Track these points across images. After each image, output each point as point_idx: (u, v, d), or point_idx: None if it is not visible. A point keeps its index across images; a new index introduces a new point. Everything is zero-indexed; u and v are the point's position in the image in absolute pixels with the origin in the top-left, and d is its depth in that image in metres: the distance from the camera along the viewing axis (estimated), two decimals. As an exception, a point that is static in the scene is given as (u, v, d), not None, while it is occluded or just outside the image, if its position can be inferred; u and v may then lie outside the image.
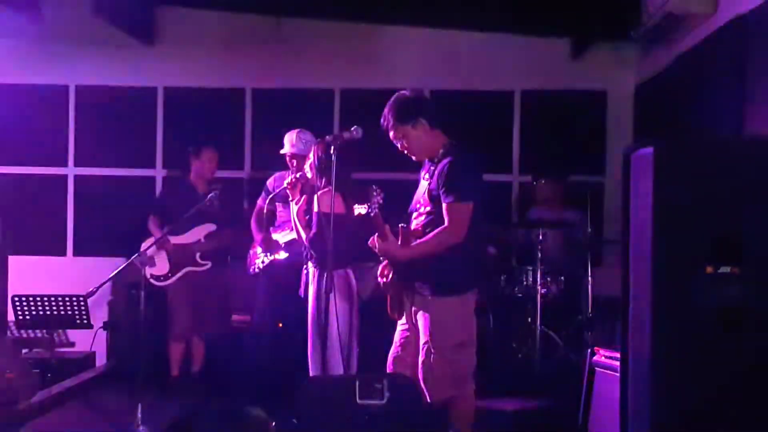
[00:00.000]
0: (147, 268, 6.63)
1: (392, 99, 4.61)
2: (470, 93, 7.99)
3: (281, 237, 6.29)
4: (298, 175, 5.50)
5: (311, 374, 5.17)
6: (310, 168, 5.30)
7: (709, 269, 3.48)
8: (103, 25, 7.57)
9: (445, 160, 4.48)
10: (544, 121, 8.03)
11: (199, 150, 6.94)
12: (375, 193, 4.41)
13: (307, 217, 5.35)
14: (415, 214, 4.64)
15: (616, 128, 7.95)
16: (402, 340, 4.68)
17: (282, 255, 6.23)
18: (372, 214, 4.42)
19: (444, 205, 4.41)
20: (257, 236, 6.46)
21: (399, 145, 4.65)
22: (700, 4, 6.05)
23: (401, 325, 4.70)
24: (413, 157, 4.70)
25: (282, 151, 6.30)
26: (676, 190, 3.48)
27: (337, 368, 5.02)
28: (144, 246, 6.38)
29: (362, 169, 7.10)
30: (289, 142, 6.26)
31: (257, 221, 6.51)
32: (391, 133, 4.61)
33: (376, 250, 4.57)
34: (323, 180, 5.16)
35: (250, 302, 6.85)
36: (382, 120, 4.60)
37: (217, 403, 6.05)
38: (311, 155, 5.32)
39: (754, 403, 3.45)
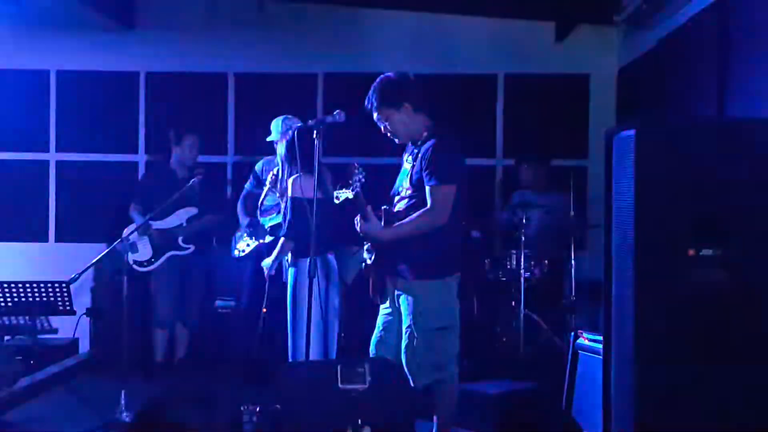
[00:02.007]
0: (130, 253, 6.63)
1: (377, 81, 4.60)
2: (453, 76, 7.97)
3: (267, 221, 6.28)
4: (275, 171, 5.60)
5: (291, 359, 5.18)
6: (282, 156, 5.33)
7: (692, 252, 3.49)
8: (84, 9, 7.51)
9: (429, 143, 4.48)
10: (527, 104, 8.02)
11: (180, 136, 6.93)
12: (356, 172, 4.40)
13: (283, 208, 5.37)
14: (397, 197, 4.64)
15: (599, 112, 7.96)
16: (385, 324, 4.68)
17: (268, 239, 6.23)
18: (354, 193, 4.42)
19: (427, 188, 4.41)
20: (243, 220, 6.44)
21: (383, 128, 4.64)
22: (682, -13, 6.07)
23: (384, 309, 4.70)
24: (397, 140, 4.69)
25: (269, 138, 6.28)
26: (658, 172, 3.49)
27: (318, 353, 5.03)
28: (126, 232, 6.36)
29: (345, 154, 7.13)
30: (276, 129, 6.23)
31: (243, 205, 6.49)
32: (375, 116, 4.60)
33: (359, 231, 4.57)
34: (297, 166, 5.16)
35: (234, 287, 6.84)
36: (366, 102, 4.59)
37: (191, 388, 6.05)
38: (279, 144, 5.35)
39: (738, 384, 3.47)
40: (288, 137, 5.30)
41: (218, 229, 7.02)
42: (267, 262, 5.50)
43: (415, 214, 4.45)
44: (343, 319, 5.43)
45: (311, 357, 4.97)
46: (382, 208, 4.57)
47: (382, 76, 4.61)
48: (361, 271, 4.84)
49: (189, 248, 6.86)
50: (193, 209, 6.86)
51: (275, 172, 5.74)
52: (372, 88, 4.59)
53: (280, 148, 5.32)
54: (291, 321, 5.26)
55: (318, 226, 4.76)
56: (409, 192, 4.54)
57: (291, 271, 5.27)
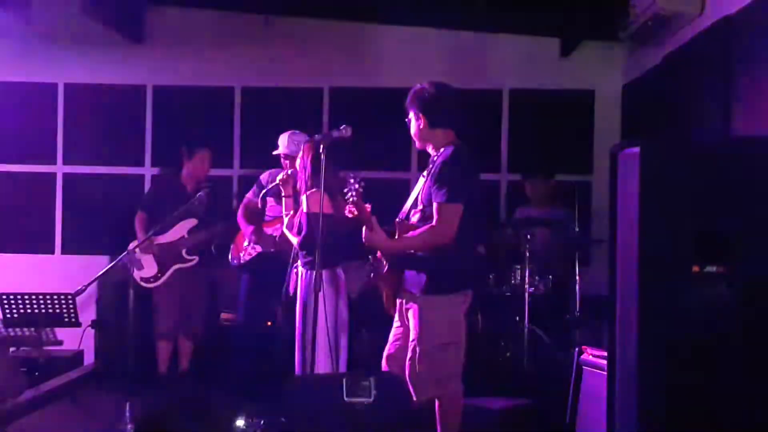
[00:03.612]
0: (135, 271, 6.69)
1: (413, 88, 4.67)
2: (458, 91, 7.96)
3: (272, 231, 6.30)
4: (289, 172, 5.60)
5: (299, 372, 5.18)
6: (300, 168, 5.33)
7: (696, 268, 3.50)
8: (92, 23, 7.56)
9: (441, 159, 4.51)
10: (532, 120, 8.04)
11: (192, 151, 6.96)
12: (351, 182, 4.43)
13: (296, 219, 5.38)
14: (413, 211, 4.66)
15: (604, 128, 7.97)
16: (395, 339, 4.70)
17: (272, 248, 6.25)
18: (350, 202, 4.45)
19: (434, 204, 4.44)
20: (246, 229, 6.45)
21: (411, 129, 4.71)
22: (687, 5, 6.07)
23: (395, 323, 4.73)
24: (416, 144, 4.73)
25: (275, 152, 6.31)
26: (663, 189, 3.50)
27: (325, 366, 5.03)
28: (132, 246, 6.39)
29: (352, 168, 7.15)
30: (282, 144, 6.27)
31: (245, 215, 6.51)
32: (408, 117, 4.67)
33: (364, 240, 4.59)
34: (310, 181, 5.19)
35: (237, 299, 6.85)
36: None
37: (191, 398, 6.07)
38: (300, 156, 5.36)
39: (741, 401, 3.47)
40: (311, 152, 5.29)
41: (219, 239, 7.01)
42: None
43: (419, 229, 4.48)
44: (350, 333, 5.42)
45: (321, 370, 4.98)
46: (396, 220, 4.60)
47: (419, 84, 4.68)
48: (367, 286, 4.86)
49: (193, 259, 6.89)
50: (193, 220, 6.88)
51: (280, 180, 5.73)
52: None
53: (303, 161, 5.33)
54: (300, 334, 5.25)
55: (327, 240, 4.78)
56: (422, 206, 4.57)
57: (303, 284, 5.27)
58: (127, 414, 5.31)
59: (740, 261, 3.49)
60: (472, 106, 7.83)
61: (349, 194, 4.43)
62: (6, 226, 8.16)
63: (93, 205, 8.14)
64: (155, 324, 6.92)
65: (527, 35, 8.00)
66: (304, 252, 5.27)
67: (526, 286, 6.77)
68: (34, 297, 6.38)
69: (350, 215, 4.52)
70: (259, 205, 6.37)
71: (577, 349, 5.21)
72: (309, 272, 5.22)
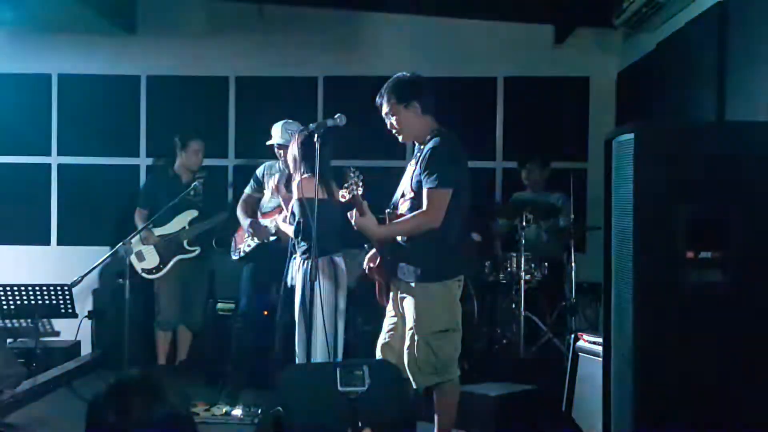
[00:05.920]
0: (137, 262, 6.71)
1: (392, 78, 4.65)
2: (453, 79, 7.97)
3: (269, 223, 6.30)
4: (278, 176, 5.62)
5: (297, 361, 5.19)
6: (292, 158, 5.33)
7: (690, 254, 3.51)
8: (86, 13, 7.54)
9: (429, 146, 4.51)
10: (527, 107, 8.04)
11: (186, 142, 6.95)
12: (352, 176, 4.42)
13: (290, 207, 5.38)
14: (401, 200, 4.66)
15: (599, 114, 7.97)
16: (390, 328, 4.71)
17: (271, 239, 6.25)
18: (352, 196, 4.44)
19: (424, 190, 4.44)
20: (244, 221, 6.46)
21: (388, 123, 4.66)
22: (681, -10, 6.08)
23: (389, 312, 4.73)
24: (399, 138, 4.70)
25: (269, 142, 6.30)
26: (657, 175, 3.51)
27: (323, 355, 5.04)
28: (129, 237, 6.40)
29: (346, 157, 7.16)
30: (276, 134, 6.26)
31: (243, 208, 6.51)
32: (384, 109, 4.62)
33: (353, 224, 4.58)
34: (303, 168, 5.18)
35: (235, 290, 6.86)
36: (377, 96, 4.63)
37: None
38: (291, 144, 5.36)
39: (736, 386, 3.49)
40: (299, 140, 5.29)
41: (219, 231, 7.03)
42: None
43: (409, 215, 4.49)
44: (347, 321, 5.43)
45: (319, 359, 4.99)
46: (386, 211, 4.60)
47: (397, 74, 4.66)
48: (365, 274, 4.86)
49: (195, 250, 6.91)
50: (194, 211, 6.89)
51: (276, 171, 5.75)
52: (386, 84, 4.63)
53: (293, 149, 5.34)
54: (299, 323, 5.26)
55: (325, 227, 4.78)
56: (411, 194, 4.56)
57: (300, 273, 5.28)
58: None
59: (734, 247, 3.50)
60: (467, 93, 7.96)
61: (350, 188, 4.40)
62: (1, 217, 8.16)
63: (88, 195, 8.15)
64: (155, 314, 6.93)
65: (522, 22, 7.99)
66: (300, 239, 5.27)
67: (522, 273, 6.78)
68: (30, 288, 6.37)
69: (342, 199, 4.52)
70: (253, 197, 6.40)
71: (573, 335, 5.23)
72: (306, 261, 5.22)
